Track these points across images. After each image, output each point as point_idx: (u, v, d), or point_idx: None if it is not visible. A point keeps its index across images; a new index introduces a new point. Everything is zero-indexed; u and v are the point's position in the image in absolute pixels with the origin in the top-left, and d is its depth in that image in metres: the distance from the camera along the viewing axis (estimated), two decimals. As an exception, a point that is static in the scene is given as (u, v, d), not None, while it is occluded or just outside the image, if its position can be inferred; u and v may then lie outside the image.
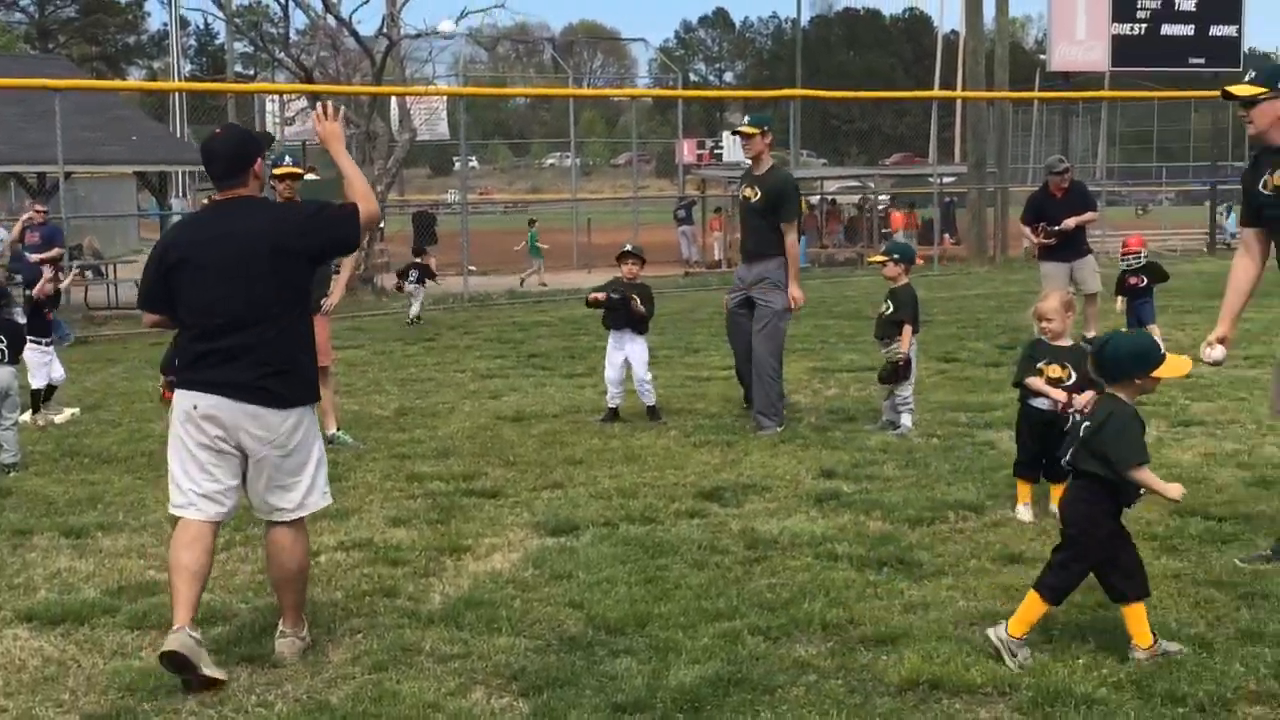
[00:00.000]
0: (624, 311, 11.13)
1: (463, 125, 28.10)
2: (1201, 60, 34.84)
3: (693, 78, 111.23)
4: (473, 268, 30.45)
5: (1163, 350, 5.57)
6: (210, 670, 5.34)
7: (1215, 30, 34.57)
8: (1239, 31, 35.12)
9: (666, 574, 6.73)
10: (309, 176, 33.52)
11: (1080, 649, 5.51)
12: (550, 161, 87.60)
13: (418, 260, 21.86)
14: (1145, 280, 14.60)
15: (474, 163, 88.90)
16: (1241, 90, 6.73)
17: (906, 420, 10.26)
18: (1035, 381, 7.62)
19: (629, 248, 11.48)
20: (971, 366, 14.08)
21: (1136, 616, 5.46)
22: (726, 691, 5.16)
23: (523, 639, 5.84)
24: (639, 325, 11.22)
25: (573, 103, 40.91)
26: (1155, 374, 5.53)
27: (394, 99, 29.87)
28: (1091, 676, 5.20)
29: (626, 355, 11.14)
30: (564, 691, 5.20)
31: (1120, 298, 14.75)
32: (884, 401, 10.56)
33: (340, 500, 8.47)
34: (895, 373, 10.21)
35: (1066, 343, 7.75)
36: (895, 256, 10.59)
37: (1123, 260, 15.21)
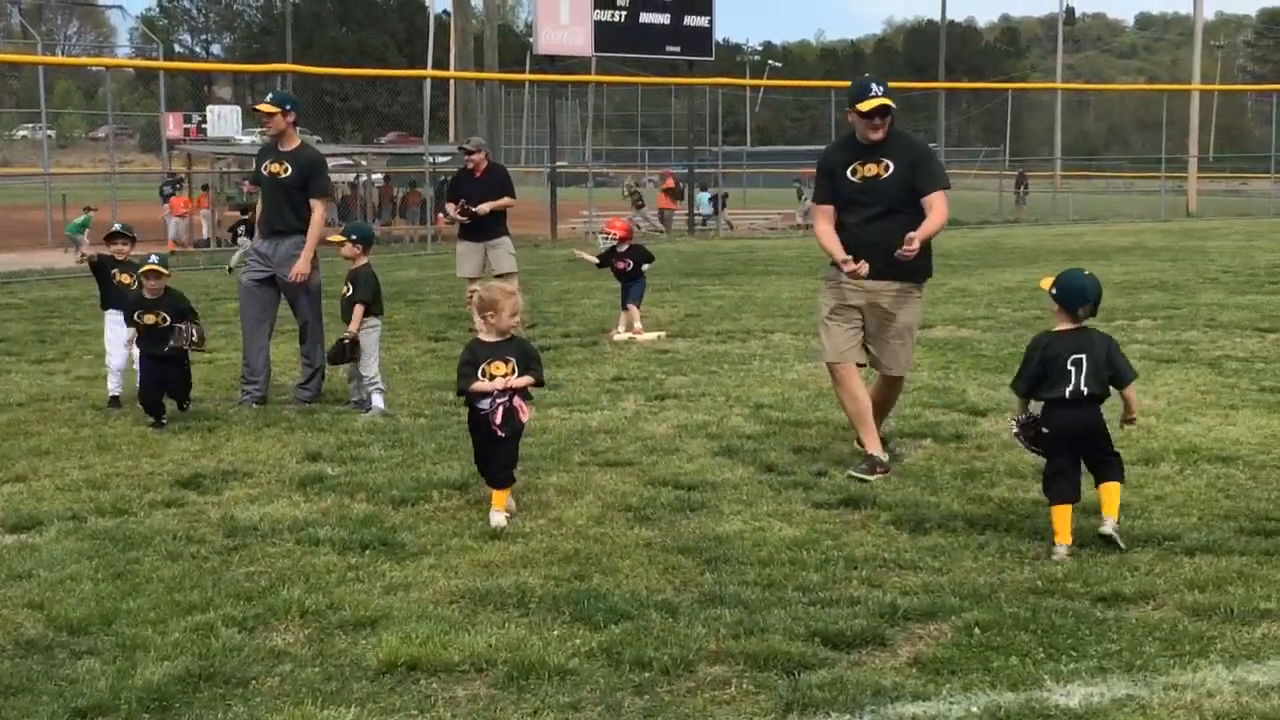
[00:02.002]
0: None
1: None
2: (678, 48, 36.59)
3: (178, 49, 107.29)
4: (-67, 246, 28.25)
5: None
6: None
7: (690, 20, 36.35)
8: (710, 23, 37.07)
9: (138, 568, 6.41)
10: None
11: (555, 621, 5.63)
12: (22, 133, 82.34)
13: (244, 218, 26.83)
14: (633, 264, 15.09)
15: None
16: (891, 102, 8.06)
17: (378, 400, 10.23)
18: (482, 385, 7.17)
19: (118, 227, 11.12)
20: (460, 345, 14.10)
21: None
22: (197, 687, 4.96)
23: (-27, 646, 5.42)
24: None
25: (43, 71, 38.43)
26: None
27: None
28: (565, 647, 5.31)
29: (128, 336, 10.62)
30: (18, 700, 4.86)
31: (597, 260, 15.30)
32: (350, 383, 10.53)
33: None
34: (342, 352, 10.17)
35: (505, 337, 7.32)
36: (354, 237, 10.56)
37: (604, 238, 15.76)
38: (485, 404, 7.15)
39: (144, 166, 58.72)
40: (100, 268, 11.05)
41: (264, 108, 10.75)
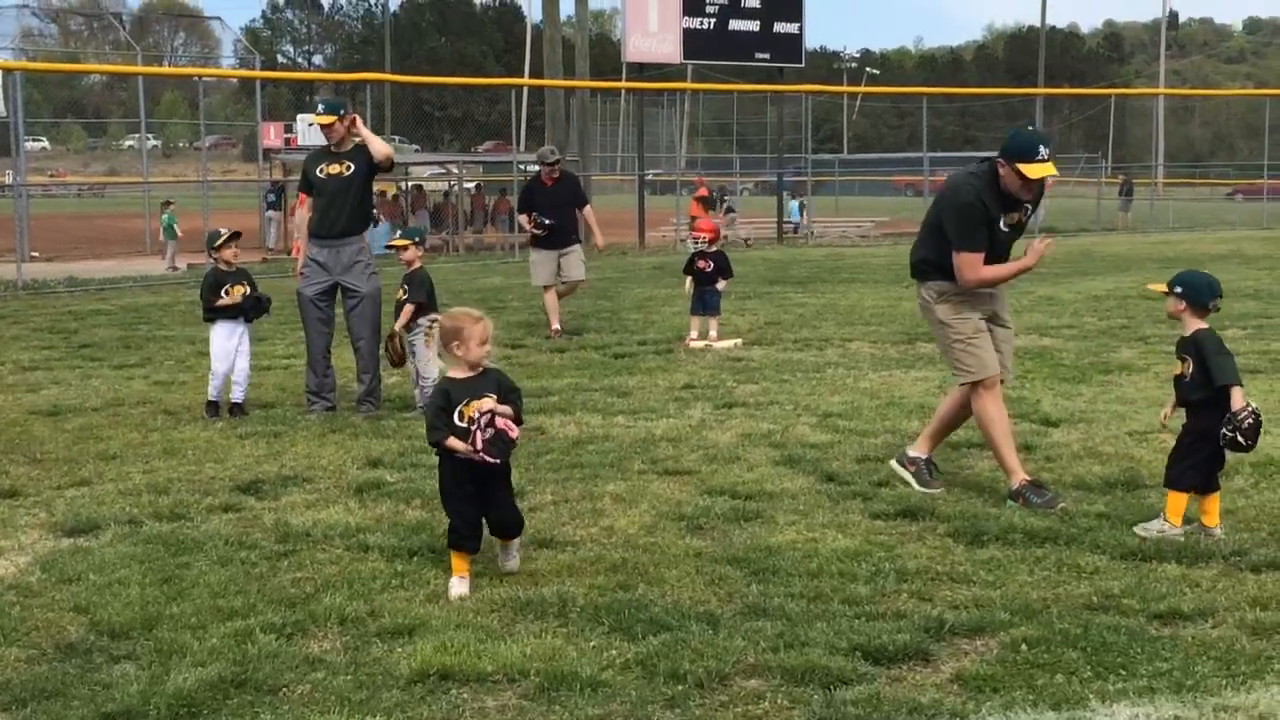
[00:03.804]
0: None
1: (18, 101, 26.38)
2: (767, 55, 36.39)
3: (281, 60, 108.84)
4: (35, 253, 28.83)
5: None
6: None
7: (779, 27, 36.12)
8: (800, 29, 36.82)
9: (186, 572, 6.43)
10: None
11: (594, 631, 5.55)
12: (129, 143, 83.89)
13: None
14: (713, 265, 15.00)
15: (45, 143, 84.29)
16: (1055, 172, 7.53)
17: None
18: (455, 443, 6.13)
19: (224, 232, 10.93)
20: (536, 352, 14.18)
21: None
22: (228, 694, 4.94)
23: (15, 649, 5.44)
24: (251, 313, 10.79)
25: (143, 81, 39.09)
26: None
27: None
28: (601, 658, 5.24)
29: (237, 345, 10.63)
30: (50, 704, 4.87)
31: (689, 278, 15.11)
32: (415, 390, 10.55)
33: None
34: (393, 350, 10.27)
35: (478, 370, 6.28)
36: (417, 239, 10.63)
37: (693, 243, 15.72)
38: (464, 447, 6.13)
39: (246, 175, 59.49)
40: (217, 287, 10.59)
41: (321, 119, 10.57)
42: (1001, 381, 7.85)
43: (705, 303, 14.93)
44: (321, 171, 10.57)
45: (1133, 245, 34.04)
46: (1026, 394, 10.93)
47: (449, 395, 6.21)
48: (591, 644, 5.41)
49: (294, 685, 5.05)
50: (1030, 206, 7.81)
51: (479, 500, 6.23)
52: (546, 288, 15.55)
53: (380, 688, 5.03)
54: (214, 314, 10.63)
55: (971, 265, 7.59)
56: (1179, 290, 6.96)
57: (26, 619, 5.80)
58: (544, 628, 5.61)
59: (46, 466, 8.78)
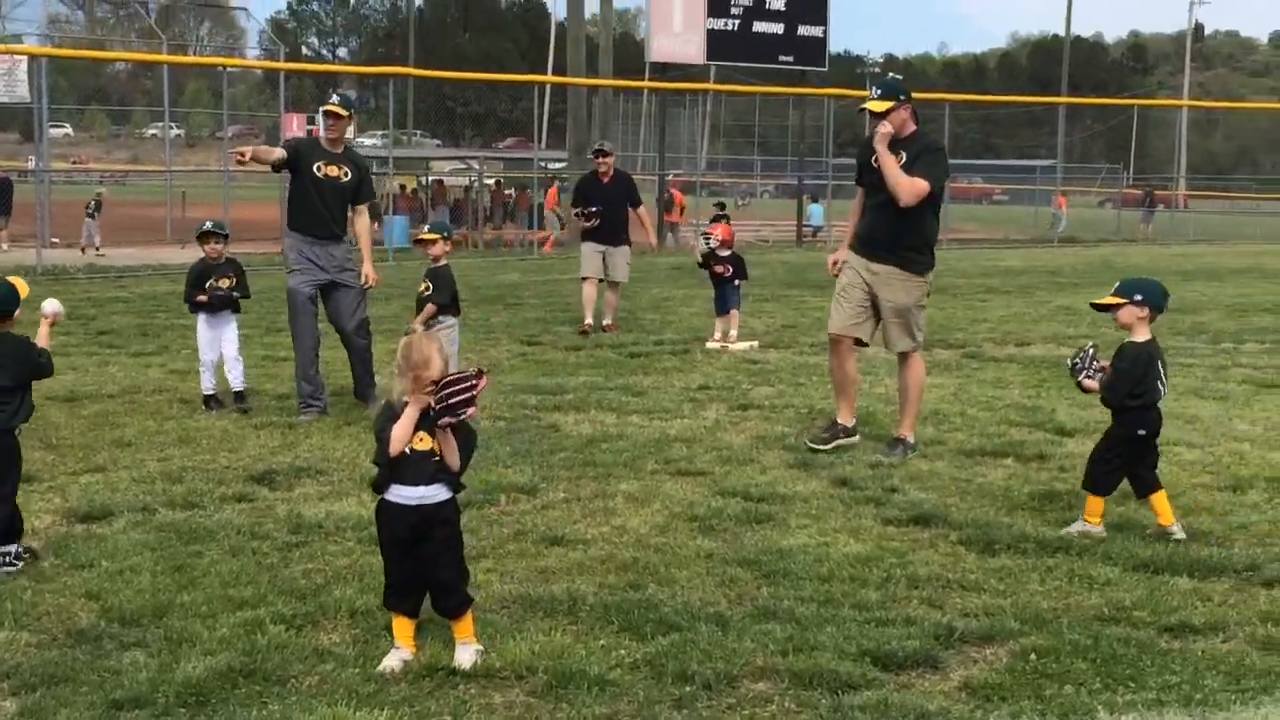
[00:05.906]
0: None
1: (43, 86, 26.48)
2: (791, 58, 36.36)
3: (306, 52, 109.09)
4: (55, 239, 28.94)
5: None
6: None
7: (804, 30, 36.12)
8: (824, 33, 36.79)
9: (198, 561, 6.45)
10: None
11: (603, 630, 5.55)
12: (153, 131, 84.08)
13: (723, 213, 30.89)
14: (731, 270, 15.14)
15: (69, 130, 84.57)
16: (877, 106, 8.82)
17: None
18: (402, 423, 5.08)
19: (209, 226, 10.93)
20: (553, 350, 14.19)
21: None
22: (236, 683, 4.95)
23: (25, 633, 5.48)
24: (235, 305, 10.78)
25: (167, 70, 39.20)
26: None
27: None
28: (609, 658, 5.24)
29: (221, 335, 10.62)
30: (59, 689, 4.89)
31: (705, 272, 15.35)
32: None
33: None
34: None
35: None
36: (445, 234, 10.64)
37: (705, 240, 15.79)
38: (405, 495, 5.14)
39: (267, 167, 59.58)
40: (201, 277, 10.65)
41: (335, 108, 10.33)
42: (905, 354, 9.22)
43: (726, 300, 15.05)
44: (319, 170, 10.36)
45: (1152, 257, 33.92)
46: (1042, 403, 10.92)
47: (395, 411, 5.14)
48: (600, 643, 5.41)
49: (302, 676, 5.06)
50: (901, 151, 8.79)
51: (416, 556, 5.19)
52: (585, 279, 15.65)
53: (388, 681, 5.04)
54: (196, 306, 10.66)
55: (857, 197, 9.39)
56: (1139, 298, 7.03)
57: (38, 604, 5.82)
58: (553, 625, 5.61)
59: (62, 452, 8.82)
